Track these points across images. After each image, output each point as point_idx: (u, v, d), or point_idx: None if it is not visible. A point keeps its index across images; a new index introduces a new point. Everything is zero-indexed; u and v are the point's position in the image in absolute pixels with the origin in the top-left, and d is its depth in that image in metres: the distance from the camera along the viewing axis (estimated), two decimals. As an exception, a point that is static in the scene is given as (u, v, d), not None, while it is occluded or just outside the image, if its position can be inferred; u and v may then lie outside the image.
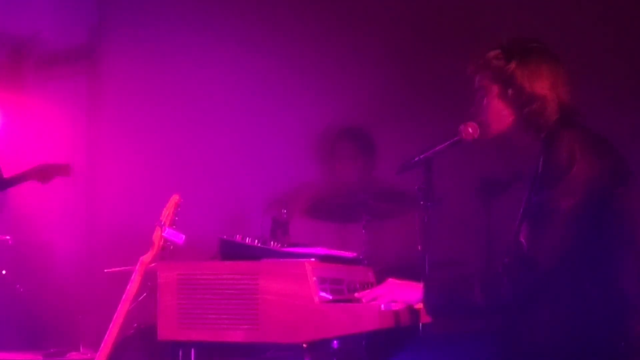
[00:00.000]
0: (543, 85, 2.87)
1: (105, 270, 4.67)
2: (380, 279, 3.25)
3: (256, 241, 3.06)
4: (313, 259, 2.92)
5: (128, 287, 3.41)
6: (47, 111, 6.34)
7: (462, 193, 4.97)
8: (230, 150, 5.89)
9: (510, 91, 2.88)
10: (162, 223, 3.41)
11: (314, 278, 2.84)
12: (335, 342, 3.32)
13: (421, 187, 3.27)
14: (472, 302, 2.77)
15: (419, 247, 3.27)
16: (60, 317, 5.93)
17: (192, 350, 3.03)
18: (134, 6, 6.33)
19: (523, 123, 2.90)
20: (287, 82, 5.71)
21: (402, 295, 2.90)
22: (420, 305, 2.93)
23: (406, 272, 3.37)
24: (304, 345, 2.82)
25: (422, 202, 3.27)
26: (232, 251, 3.03)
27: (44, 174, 4.73)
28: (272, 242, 3.11)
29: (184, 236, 3.40)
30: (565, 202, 2.69)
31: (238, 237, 3.06)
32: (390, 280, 2.96)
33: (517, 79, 2.88)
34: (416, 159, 3.23)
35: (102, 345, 3.38)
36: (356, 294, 3.04)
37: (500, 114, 2.93)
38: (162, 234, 3.40)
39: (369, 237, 4.96)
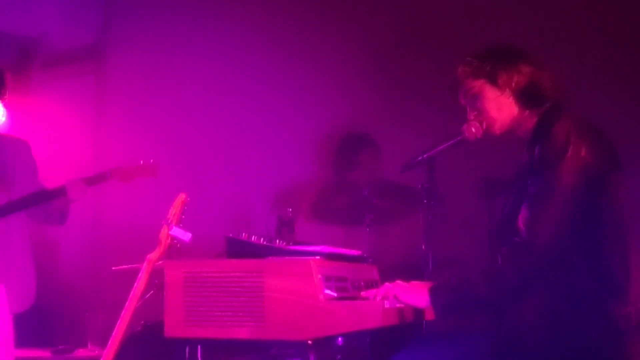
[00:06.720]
0: (525, 70, 2.92)
1: (113, 269, 4.71)
2: (384, 277, 3.27)
3: (262, 239, 3.07)
4: (318, 257, 2.93)
5: (135, 285, 3.43)
6: (54, 111, 6.36)
7: (465, 192, 4.96)
8: (236, 149, 5.90)
9: (499, 79, 2.92)
10: (169, 221, 3.43)
11: (319, 276, 2.85)
12: (339, 339, 3.35)
13: (424, 186, 3.29)
14: (478, 295, 2.78)
15: (423, 246, 3.28)
16: (68, 315, 5.98)
17: (199, 347, 3.06)
18: (140, 6, 6.36)
19: (522, 99, 2.92)
20: (293, 82, 5.71)
21: (409, 299, 2.89)
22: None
23: (410, 270, 3.39)
24: (309, 342, 2.84)
25: (425, 201, 3.28)
26: (238, 249, 3.04)
27: (126, 174, 4.60)
28: (277, 240, 3.12)
29: (190, 234, 3.42)
30: (561, 184, 2.71)
31: (244, 236, 3.07)
32: (398, 282, 2.95)
33: (498, 68, 2.93)
34: (419, 158, 3.23)
35: (109, 342, 3.40)
36: (362, 293, 3.04)
37: (499, 104, 2.95)
38: (169, 233, 3.42)
39: (373, 236, 4.97)
